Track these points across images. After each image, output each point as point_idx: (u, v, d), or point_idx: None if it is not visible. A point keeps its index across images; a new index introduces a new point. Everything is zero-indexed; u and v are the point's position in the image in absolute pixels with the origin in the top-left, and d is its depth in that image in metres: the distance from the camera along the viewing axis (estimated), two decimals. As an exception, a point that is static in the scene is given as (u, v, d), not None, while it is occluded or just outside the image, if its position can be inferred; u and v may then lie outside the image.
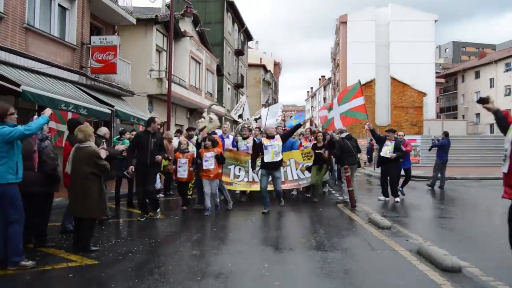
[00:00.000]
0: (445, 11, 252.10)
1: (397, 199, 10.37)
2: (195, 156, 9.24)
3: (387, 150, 10.44)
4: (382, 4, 54.71)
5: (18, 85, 8.79)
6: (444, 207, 10.27)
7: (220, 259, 5.16)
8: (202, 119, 9.88)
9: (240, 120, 19.25)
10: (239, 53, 38.45)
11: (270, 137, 9.07)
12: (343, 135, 10.73)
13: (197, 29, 24.83)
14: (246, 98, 20.48)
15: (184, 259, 5.18)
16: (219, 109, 28.87)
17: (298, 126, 10.62)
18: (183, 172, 9.15)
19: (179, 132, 13.06)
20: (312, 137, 11.49)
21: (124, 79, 15.54)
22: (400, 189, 11.14)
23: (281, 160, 9.14)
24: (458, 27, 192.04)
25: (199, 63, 24.71)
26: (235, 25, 37.51)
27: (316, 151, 10.37)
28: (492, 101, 4.46)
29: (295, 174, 10.81)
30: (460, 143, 24.86)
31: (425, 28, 45.84)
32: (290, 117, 36.11)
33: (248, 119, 18.45)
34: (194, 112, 24.70)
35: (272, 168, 8.90)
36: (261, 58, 55.91)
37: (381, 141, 10.81)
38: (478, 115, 50.23)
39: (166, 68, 20.97)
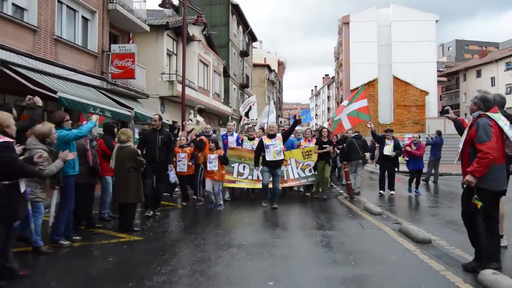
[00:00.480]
0: (448, 9, 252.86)
1: (392, 192, 11.51)
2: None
3: (389, 149, 11.61)
4: (384, 4, 55.84)
5: (55, 92, 10.03)
6: (434, 198, 11.47)
7: (240, 235, 6.39)
8: (189, 121, 10.43)
9: (246, 118, 20.24)
10: (244, 54, 39.69)
11: (271, 136, 9.29)
12: (352, 134, 12.13)
13: (204, 32, 26.00)
14: (255, 98, 20.98)
15: (211, 236, 6.41)
16: (226, 109, 30.17)
17: (296, 124, 10.41)
18: (182, 166, 9.30)
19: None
20: (312, 138, 11.74)
21: (140, 83, 16.78)
22: (417, 190, 11.60)
23: (282, 160, 9.41)
24: (461, 25, 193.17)
25: (207, 66, 25.98)
26: (240, 27, 38.74)
27: (323, 145, 10.71)
28: (451, 112, 5.63)
29: (295, 173, 11.05)
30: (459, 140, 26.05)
31: (426, 28, 46.81)
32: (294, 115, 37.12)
33: (255, 119, 19.48)
34: (203, 112, 25.86)
35: (273, 166, 9.19)
36: (265, 58, 57.11)
37: (381, 141, 11.94)
38: (479, 113, 51.30)
39: (176, 71, 22.33)
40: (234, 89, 36.77)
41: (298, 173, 11.04)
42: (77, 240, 5.94)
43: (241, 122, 14.30)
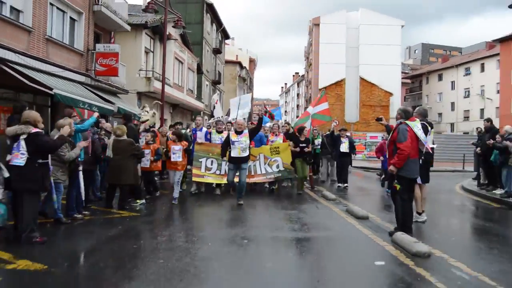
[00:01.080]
0: (416, 13, 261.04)
1: (346, 184, 13.17)
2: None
3: (345, 146, 13.37)
4: (353, 7, 58.21)
5: (51, 89, 11.23)
6: (382, 189, 13.34)
7: (216, 212, 7.95)
8: (146, 112, 11.42)
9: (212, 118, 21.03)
10: (217, 51, 41.07)
11: (238, 132, 9.37)
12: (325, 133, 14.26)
13: (180, 32, 27.20)
14: (217, 96, 21.39)
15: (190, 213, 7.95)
16: (198, 104, 31.51)
17: (261, 121, 10.31)
18: (146, 161, 9.44)
19: (179, 123, 13.99)
20: (279, 133, 12.08)
21: (120, 79, 17.98)
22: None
23: (248, 156, 9.52)
24: (428, 28, 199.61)
25: (182, 63, 27.29)
26: (214, 25, 40.07)
27: (300, 145, 11.21)
28: (383, 120, 7.42)
29: (263, 168, 11.32)
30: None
31: (392, 32, 49.38)
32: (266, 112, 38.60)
33: (222, 116, 20.39)
34: (177, 107, 27.26)
35: (238, 162, 9.29)
36: (237, 55, 58.50)
37: (336, 139, 13.65)
38: (440, 114, 54.53)
39: (153, 68, 23.56)
40: (207, 85, 38.12)
41: (265, 169, 11.35)
42: (87, 215, 7.35)
43: (213, 119, 13.97)
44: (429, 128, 7.48)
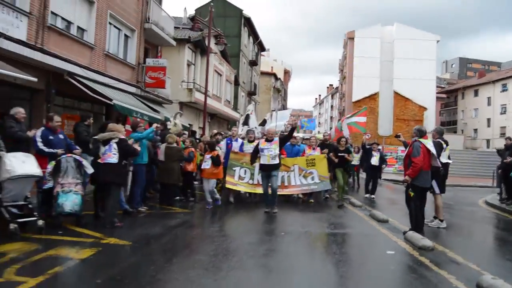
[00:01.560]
0: (454, 26, 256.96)
1: (373, 196, 14.01)
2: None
3: (376, 160, 14.28)
4: (388, 22, 58.74)
5: (111, 100, 12.80)
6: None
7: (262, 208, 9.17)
8: (168, 122, 12.72)
9: (245, 127, 21.84)
10: (253, 63, 42.63)
11: (269, 140, 9.56)
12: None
13: (220, 49, 28.62)
14: (253, 107, 22.36)
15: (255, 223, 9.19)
16: (234, 114, 32.98)
17: (293, 131, 10.48)
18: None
19: (219, 134, 14.65)
20: (316, 147, 12.33)
21: (166, 91, 19.56)
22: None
23: (278, 164, 9.62)
24: (466, 42, 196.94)
25: (220, 75, 28.86)
26: (250, 37, 41.69)
27: (339, 154, 11.26)
28: (402, 137, 8.51)
29: (297, 180, 11.34)
30: (457, 155, 28.82)
31: (428, 47, 49.65)
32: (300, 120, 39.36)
33: (255, 127, 21.10)
34: (214, 117, 28.79)
35: (267, 170, 9.47)
36: (272, 67, 60.00)
37: (368, 152, 14.50)
38: (476, 130, 54.07)
39: (194, 79, 25.15)
40: (242, 96, 39.65)
41: (300, 180, 11.35)
42: (147, 209, 8.74)
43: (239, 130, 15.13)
44: (444, 145, 8.54)
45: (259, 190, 10.61)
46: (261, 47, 47.11)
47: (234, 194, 11.14)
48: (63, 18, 12.89)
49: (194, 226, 7.69)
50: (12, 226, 5.85)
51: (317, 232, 7.46)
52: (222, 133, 18.36)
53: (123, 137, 7.15)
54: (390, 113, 49.96)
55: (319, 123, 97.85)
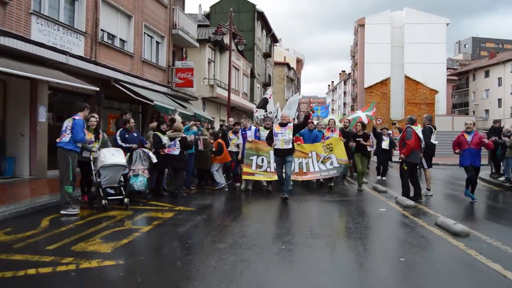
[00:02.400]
0: (467, 4, 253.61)
1: (384, 177, 15.80)
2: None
3: (386, 144, 16.06)
4: (398, 7, 59.95)
5: (152, 101, 15.12)
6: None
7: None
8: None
9: (262, 112, 22.74)
10: (267, 55, 44.66)
11: (283, 125, 9.78)
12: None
13: (240, 49, 30.62)
14: (271, 92, 21.86)
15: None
16: (251, 106, 35.08)
17: (307, 118, 10.74)
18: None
19: (238, 124, 17.33)
20: (335, 128, 12.38)
21: (192, 88, 21.86)
22: (472, 195, 9.84)
23: (292, 149, 9.79)
24: (480, 20, 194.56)
25: (238, 70, 31.05)
26: (264, 31, 43.66)
27: (357, 139, 11.58)
28: (397, 124, 10.62)
29: (316, 166, 11.52)
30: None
31: (437, 30, 50.95)
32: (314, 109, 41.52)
33: (271, 112, 22.11)
34: (233, 109, 31.04)
35: (281, 154, 9.65)
36: (285, 57, 61.89)
37: (378, 137, 16.35)
38: (487, 111, 55.40)
39: (214, 76, 27.39)
40: (258, 87, 41.79)
41: (319, 167, 11.54)
42: (194, 189, 11.12)
43: (254, 113, 16.11)
44: (433, 129, 10.68)
45: (277, 178, 10.53)
46: (274, 39, 49.03)
47: (251, 183, 11.37)
48: (108, 33, 15.23)
49: (233, 199, 9.94)
50: (104, 201, 8.12)
51: (331, 199, 9.76)
52: (240, 123, 20.55)
53: (183, 135, 9.51)
54: (401, 98, 51.59)
55: (333, 109, 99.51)
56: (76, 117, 7.71)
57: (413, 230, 6.66)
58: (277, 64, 54.60)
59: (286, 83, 57.90)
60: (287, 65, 58.93)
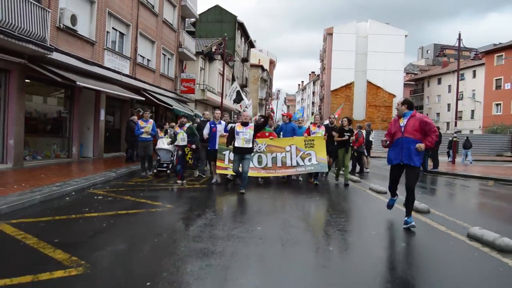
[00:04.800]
0: (432, 8, 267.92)
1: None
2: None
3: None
4: (363, 18, 67.41)
5: (171, 105, 21.52)
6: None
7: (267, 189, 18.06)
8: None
9: (237, 105, 24.63)
10: (245, 60, 51.29)
11: (244, 124, 9.98)
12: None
13: (231, 65, 37.03)
14: (236, 84, 24.44)
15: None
16: (232, 106, 41.67)
17: (267, 119, 11.20)
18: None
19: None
20: (321, 125, 12.64)
21: (192, 94, 28.29)
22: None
23: (251, 148, 10.09)
24: (444, 24, 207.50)
25: (222, 76, 37.53)
26: (242, 38, 50.25)
27: (345, 134, 12.01)
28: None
29: (294, 160, 11.69)
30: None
31: (397, 41, 58.75)
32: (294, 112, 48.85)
33: (247, 107, 22.53)
34: (217, 108, 37.56)
35: (240, 152, 9.93)
36: (259, 59, 68.64)
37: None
38: (438, 114, 63.89)
39: (204, 82, 33.82)
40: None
41: (297, 161, 11.71)
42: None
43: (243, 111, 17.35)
44: (371, 131, 17.64)
45: (250, 173, 10.90)
46: (251, 45, 55.71)
47: (220, 177, 11.95)
48: (141, 55, 21.50)
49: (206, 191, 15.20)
50: (154, 171, 14.28)
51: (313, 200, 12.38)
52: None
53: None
54: (363, 100, 59.30)
55: (302, 107, 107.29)
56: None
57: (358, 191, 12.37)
58: (252, 66, 61.33)
59: (260, 83, 64.76)
60: (261, 67, 65.81)
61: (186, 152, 12.29)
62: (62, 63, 14.13)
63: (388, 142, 6.84)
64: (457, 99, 26.42)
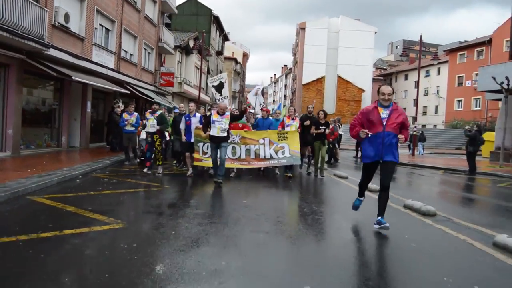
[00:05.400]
0: (401, 4, 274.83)
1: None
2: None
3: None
4: (335, 14, 69.75)
5: (153, 98, 22.93)
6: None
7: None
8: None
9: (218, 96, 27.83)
10: (219, 53, 52.71)
11: (221, 113, 10.11)
12: None
13: (207, 60, 38.51)
14: (226, 75, 23.59)
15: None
16: (207, 98, 43.19)
17: (243, 113, 11.45)
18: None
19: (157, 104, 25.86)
20: (295, 117, 12.68)
21: (169, 87, 29.66)
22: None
23: (227, 137, 10.27)
24: (413, 20, 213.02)
25: (198, 69, 38.94)
26: (217, 31, 51.60)
27: (321, 127, 12.11)
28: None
29: (267, 153, 11.91)
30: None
31: (367, 38, 61.16)
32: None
33: (226, 97, 27.45)
34: (192, 101, 39.00)
35: (216, 141, 10.12)
36: (233, 52, 70.09)
37: None
38: (405, 109, 66.96)
39: (180, 75, 35.19)
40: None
41: (270, 154, 11.95)
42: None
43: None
44: (340, 125, 19.58)
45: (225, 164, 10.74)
46: (226, 38, 57.09)
47: (194, 168, 12.08)
48: (124, 50, 22.79)
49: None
50: (137, 160, 15.96)
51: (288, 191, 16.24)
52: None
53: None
54: (333, 94, 61.58)
55: (274, 100, 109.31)
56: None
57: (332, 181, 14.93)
58: (226, 59, 62.76)
59: (233, 76, 66.27)
60: (235, 60, 67.37)
61: (155, 139, 12.26)
62: (56, 58, 15.43)
63: (370, 135, 5.93)
64: (418, 96, 28.86)
